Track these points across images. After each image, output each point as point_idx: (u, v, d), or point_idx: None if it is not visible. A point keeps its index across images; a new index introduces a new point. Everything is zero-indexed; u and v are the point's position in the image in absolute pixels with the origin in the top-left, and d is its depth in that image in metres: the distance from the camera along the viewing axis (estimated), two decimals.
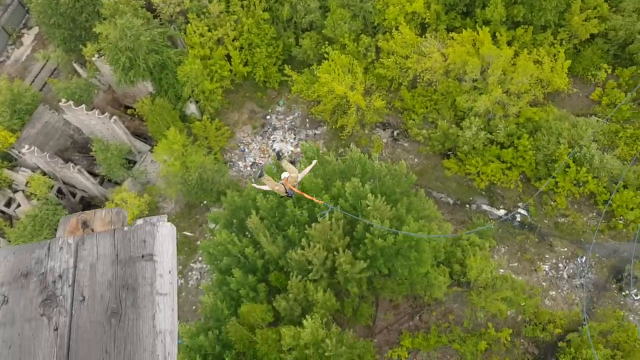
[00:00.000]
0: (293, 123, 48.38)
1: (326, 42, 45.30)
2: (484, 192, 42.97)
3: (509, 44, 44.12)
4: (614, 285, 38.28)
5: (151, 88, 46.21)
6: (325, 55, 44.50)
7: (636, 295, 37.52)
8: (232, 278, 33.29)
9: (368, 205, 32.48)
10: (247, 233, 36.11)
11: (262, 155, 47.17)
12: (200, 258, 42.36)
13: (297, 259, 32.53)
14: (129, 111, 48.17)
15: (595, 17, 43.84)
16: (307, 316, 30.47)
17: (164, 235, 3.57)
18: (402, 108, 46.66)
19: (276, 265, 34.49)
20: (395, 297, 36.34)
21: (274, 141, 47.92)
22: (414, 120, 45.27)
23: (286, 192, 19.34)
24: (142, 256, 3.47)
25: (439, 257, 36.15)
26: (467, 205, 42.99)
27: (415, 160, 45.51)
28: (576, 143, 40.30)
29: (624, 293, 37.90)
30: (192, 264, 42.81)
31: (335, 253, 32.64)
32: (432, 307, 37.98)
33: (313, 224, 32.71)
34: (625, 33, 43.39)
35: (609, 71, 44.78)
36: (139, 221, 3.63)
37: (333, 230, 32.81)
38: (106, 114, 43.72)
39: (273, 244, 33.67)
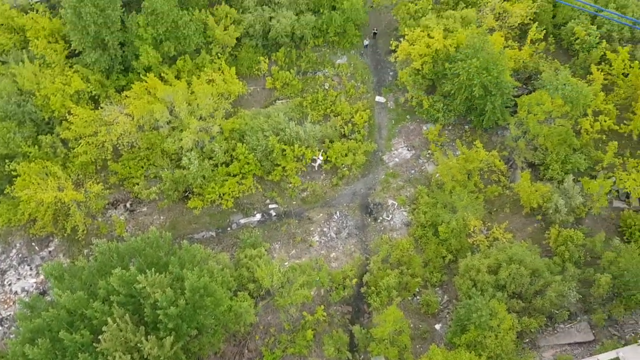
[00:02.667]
0: (20, 255, 43.45)
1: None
2: (235, 209, 44.99)
3: (178, 77, 46.34)
4: (369, 219, 44.20)
5: None
6: (13, 173, 40.96)
7: (388, 217, 44.00)
8: None
9: (144, 287, 31.54)
10: None
11: (6, 306, 41.47)
12: None
13: None
14: None
15: (231, 24, 48.66)
16: None
17: None
18: (121, 179, 45.57)
19: None
20: (217, 347, 36.21)
21: (10, 284, 42.46)
22: (138, 184, 44.74)
23: None
24: None
25: (232, 287, 37.06)
26: (229, 228, 44.58)
27: (162, 217, 45.18)
28: (279, 130, 44.75)
29: (379, 220, 44.04)
30: None
31: (139, 345, 31.04)
32: (252, 333, 38.92)
33: (99, 337, 30.50)
34: (260, 26, 49.23)
35: (266, 60, 50.32)
36: None
37: (123, 330, 31.07)
38: None
39: None
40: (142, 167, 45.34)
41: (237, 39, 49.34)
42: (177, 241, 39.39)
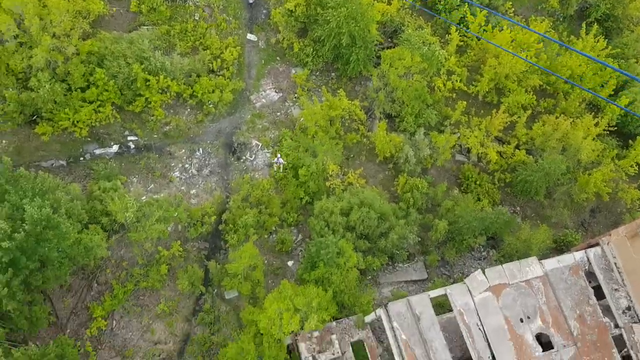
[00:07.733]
0: None
1: None
2: (89, 139, 42.52)
3: None
4: (232, 158, 44.26)
5: None
6: None
7: (251, 157, 44.39)
8: None
9: None
10: None
11: None
12: None
13: None
14: None
15: None
16: None
17: None
18: None
19: None
20: (63, 280, 34.84)
21: None
22: None
23: None
24: None
25: (83, 220, 35.53)
26: (82, 158, 42.17)
27: (4, 141, 41.41)
28: (143, 58, 42.45)
29: (242, 160, 44.32)
30: None
31: None
32: (102, 267, 37.97)
33: None
34: None
35: None
36: None
37: None
38: None
39: None
40: None
41: None
42: (16, 168, 36.32)
